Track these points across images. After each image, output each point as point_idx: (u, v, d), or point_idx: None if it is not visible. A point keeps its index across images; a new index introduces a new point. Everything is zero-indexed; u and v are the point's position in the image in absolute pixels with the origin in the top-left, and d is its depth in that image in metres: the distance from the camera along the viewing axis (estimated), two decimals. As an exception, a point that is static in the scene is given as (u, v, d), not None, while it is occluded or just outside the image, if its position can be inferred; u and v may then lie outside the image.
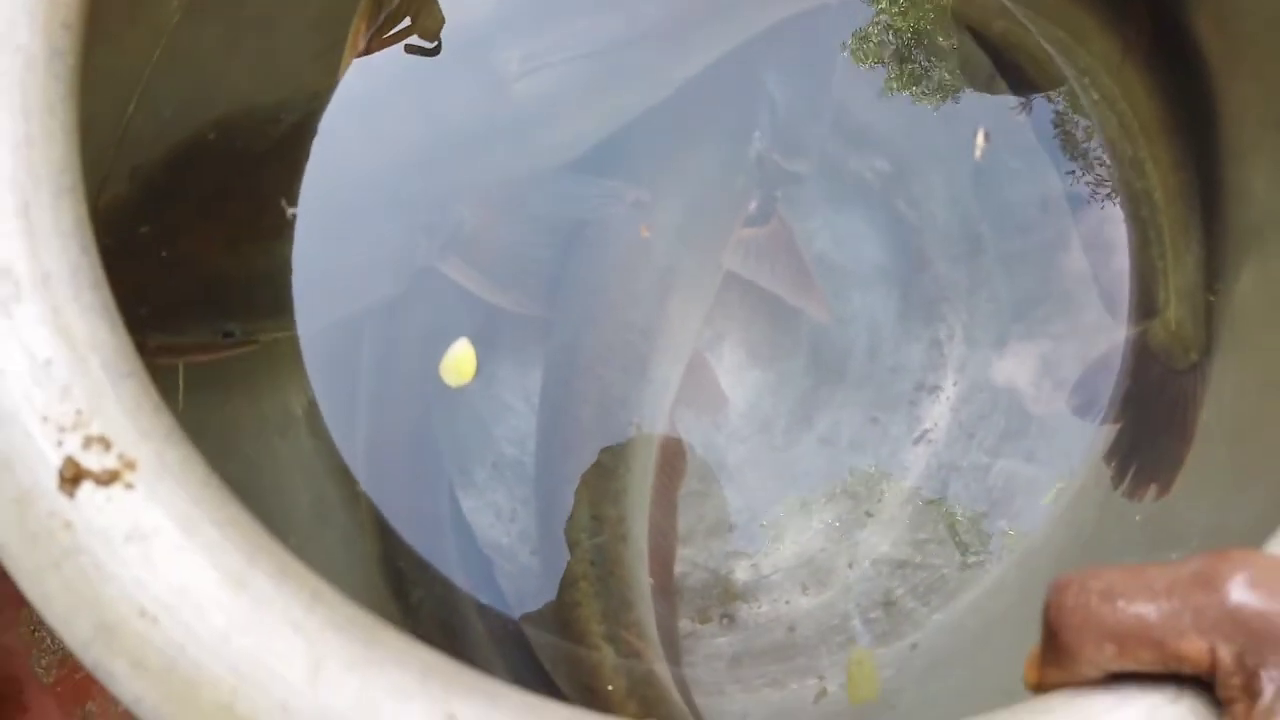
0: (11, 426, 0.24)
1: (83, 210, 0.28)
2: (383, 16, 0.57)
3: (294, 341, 0.54)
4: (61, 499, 0.24)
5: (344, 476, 0.55)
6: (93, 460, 0.24)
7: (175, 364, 0.50)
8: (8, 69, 0.27)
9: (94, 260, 0.27)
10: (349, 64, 0.56)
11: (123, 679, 0.24)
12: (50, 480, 0.24)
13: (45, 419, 0.25)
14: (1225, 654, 0.24)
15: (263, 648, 0.24)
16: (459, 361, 0.57)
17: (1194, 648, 0.25)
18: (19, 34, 0.27)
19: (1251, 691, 0.24)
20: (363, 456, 0.55)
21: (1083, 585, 0.25)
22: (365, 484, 0.54)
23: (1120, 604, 0.25)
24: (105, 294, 0.27)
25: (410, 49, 0.58)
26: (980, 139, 0.61)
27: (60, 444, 0.24)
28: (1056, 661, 0.26)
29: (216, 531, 0.25)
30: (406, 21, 0.58)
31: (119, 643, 0.24)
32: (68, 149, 0.28)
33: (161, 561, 0.24)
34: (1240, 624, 0.24)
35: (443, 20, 0.58)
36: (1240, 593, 0.24)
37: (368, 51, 0.56)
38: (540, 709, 0.25)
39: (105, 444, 0.25)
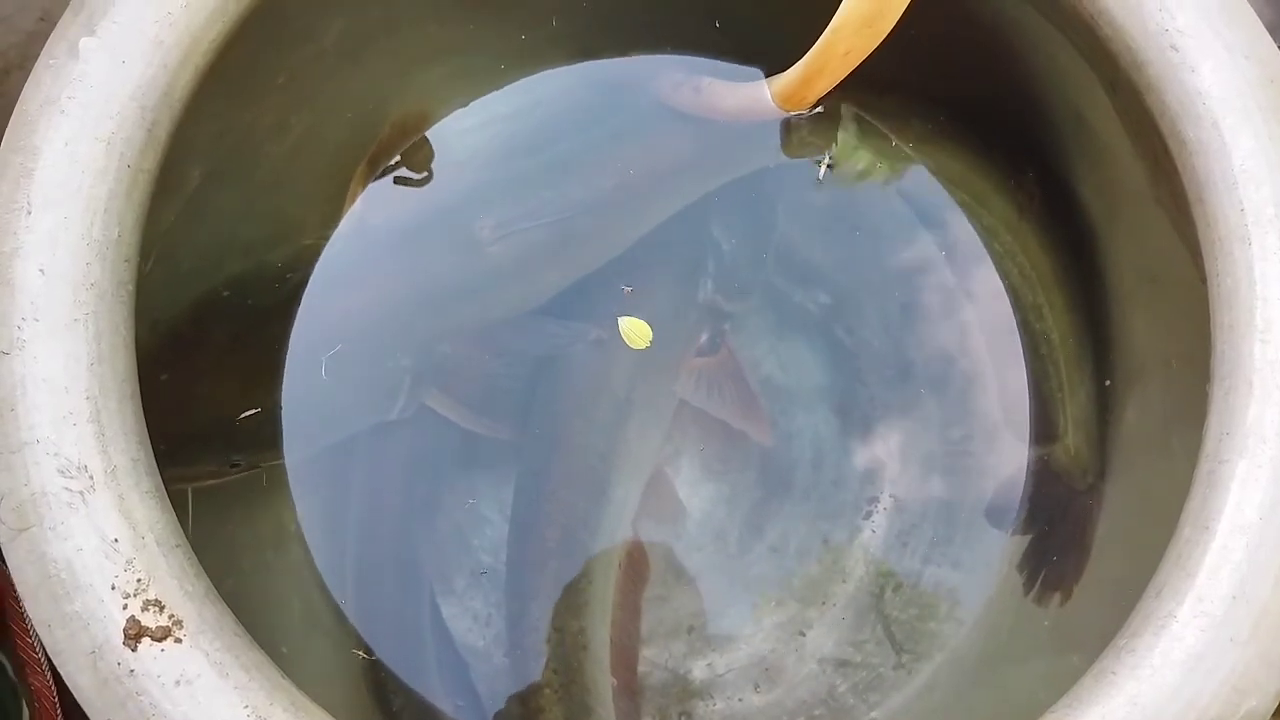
0: (88, 594, 0.31)
1: (140, 410, 0.35)
2: (379, 171, 0.64)
3: (285, 468, 0.59)
4: (126, 651, 0.30)
5: (332, 588, 0.58)
6: (150, 619, 0.31)
7: (186, 489, 0.55)
8: (85, 303, 0.34)
9: (149, 451, 0.34)
10: (347, 212, 0.63)
11: (171, 798, 0.30)
12: (117, 636, 0.31)
13: (114, 587, 0.31)
14: None
15: (283, 771, 0.30)
16: (635, 327, 0.61)
17: None
18: (93, 273, 0.35)
19: None
20: (350, 569, 0.59)
21: None
22: (351, 596, 0.59)
23: None
24: (157, 479, 0.34)
25: (399, 180, 0.64)
26: (822, 169, 0.64)
27: (125, 607, 0.31)
28: None
29: (245, 675, 0.31)
30: (400, 159, 0.64)
31: (169, 767, 0.30)
32: (129, 360, 0.35)
33: (204, 700, 0.30)
34: None
35: (432, 154, 0.65)
36: None
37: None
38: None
39: (160, 606, 0.31)
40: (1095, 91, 0.53)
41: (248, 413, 0.58)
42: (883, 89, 0.62)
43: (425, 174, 0.63)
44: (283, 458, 0.58)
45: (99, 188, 0.36)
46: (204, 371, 0.56)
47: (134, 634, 0.30)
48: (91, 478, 0.32)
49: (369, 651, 0.57)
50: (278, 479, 0.60)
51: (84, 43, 0.38)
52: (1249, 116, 0.41)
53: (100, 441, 0.32)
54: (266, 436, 0.57)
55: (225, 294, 0.57)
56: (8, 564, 0.32)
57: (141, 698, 0.30)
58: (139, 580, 0.31)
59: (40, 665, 0.64)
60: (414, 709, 0.57)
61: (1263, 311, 0.39)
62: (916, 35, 0.53)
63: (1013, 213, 0.64)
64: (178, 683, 0.30)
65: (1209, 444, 0.38)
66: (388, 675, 0.56)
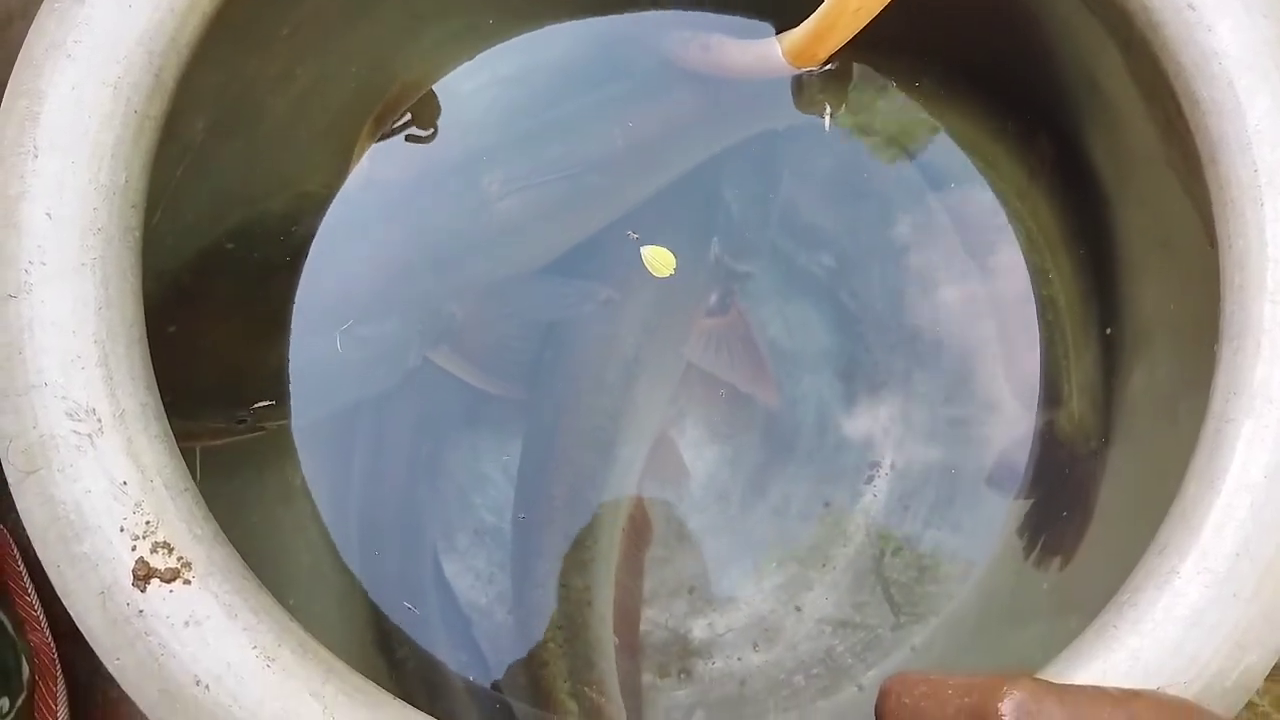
0: (96, 535, 0.31)
1: (148, 355, 0.35)
2: (386, 128, 0.64)
3: (290, 427, 0.59)
4: (135, 592, 0.31)
5: (335, 546, 0.60)
6: (159, 561, 0.31)
7: (194, 448, 0.55)
8: (93, 248, 0.34)
9: (156, 396, 0.34)
10: (354, 168, 0.63)
11: (180, 735, 0.30)
12: (126, 577, 0.31)
13: (122, 529, 0.31)
14: None
15: (290, 711, 0.31)
16: (659, 255, 0.62)
17: None
18: (100, 218, 0.34)
19: None
20: (355, 525, 0.60)
21: (898, 696, 0.32)
22: (356, 552, 0.60)
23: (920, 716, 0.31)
24: (164, 424, 0.34)
25: (410, 138, 0.65)
26: (826, 119, 0.65)
27: (134, 549, 0.31)
28: None
29: (253, 617, 0.32)
30: (407, 116, 0.64)
31: (179, 706, 0.31)
32: (137, 305, 0.35)
33: (212, 641, 0.31)
34: None
35: (439, 110, 0.64)
36: None
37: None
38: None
39: (169, 548, 0.31)
40: (1109, 53, 0.52)
41: (260, 404, 0.58)
42: (894, 48, 0.62)
43: (432, 130, 0.63)
44: (289, 416, 0.58)
45: (106, 133, 0.36)
46: (210, 325, 0.56)
47: (143, 575, 0.31)
48: (100, 421, 0.32)
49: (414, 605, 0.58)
50: (284, 437, 0.60)
51: (89, -15, 0.38)
52: (1266, 76, 0.41)
53: (108, 385, 0.33)
54: (271, 393, 0.58)
55: (229, 246, 0.57)
56: (17, 506, 0.32)
57: (150, 638, 0.30)
58: (148, 522, 0.31)
59: (39, 622, 0.65)
60: (418, 660, 0.58)
61: (1274, 273, 0.39)
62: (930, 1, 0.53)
63: (1023, 176, 0.64)
64: (186, 623, 0.31)
65: (1216, 403, 0.38)
66: (392, 628, 0.57)
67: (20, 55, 0.37)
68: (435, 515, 0.63)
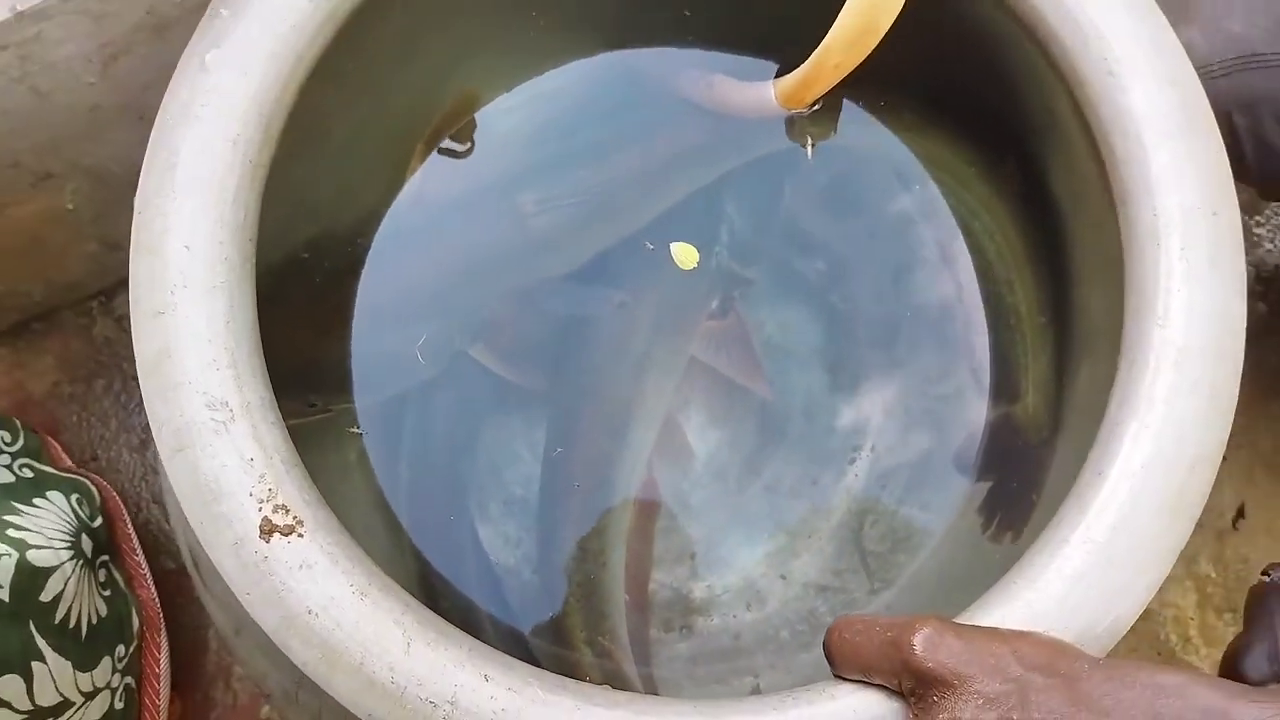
0: (231, 499, 0.41)
1: (263, 359, 0.44)
2: (435, 148, 0.72)
3: (354, 410, 0.66)
4: (261, 543, 0.40)
5: (388, 512, 0.65)
6: (279, 519, 0.41)
7: None
8: (220, 273, 0.43)
9: (270, 391, 0.44)
10: (407, 184, 0.70)
11: (297, 650, 0.40)
12: (254, 531, 0.40)
13: (250, 494, 0.41)
14: (904, 688, 0.39)
15: (378, 633, 0.40)
16: (684, 251, 0.68)
17: (890, 682, 0.40)
18: (225, 249, 0.44)
19: (916, 712, 0.39)
20: (404, 497, 0.66)
21: (839, 633, 0.40)
22: (405, 518, 0.65)
23: (855, 650, 0.40)
24: (278, 413, 0.43)
25: (443, 151, 0.72)
26: (808, 149, 0.70)
27: (260, 510, 0.41)
28: (837, 670, 0.42)
29: (350, 563, 0.41)
30: (452, 141, 0.71)
31: (294, 629, 0.40)
32: (253, 318, 0.44)
33: (321, 580, 0.40)
34: (909, 673, 0.38)
35: (480, 136, 0.72)
36: (911, 653, 0.38)
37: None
38: (538, 674, 0.42)
39: (285, 509, 0.41)
40: (1061, 98, 0.58)
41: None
42: (879, 84, 0.68)
43: (474, 152, 0.71)
44: (353, 401, 0.65)
45: (228, 179, 0.45)
46: (285, 325, 0.63)
47: (267, 530, 0.40)
48: (231, 411, 0.41)
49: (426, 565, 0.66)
50: (342, 419, 0.67)
51: (210, 57, 0.47)
52: (1169, 135, 0.49)
53: (237, 383, 0.42)
54: (337, 381, 0.65)
55: (304, 256, 0.66)
56: (168, 476, 0.42)
57: (273, 578, 0.40)
58: (269, 489, 0.41)
59: (145, 578, 0.75)
60: (459, 611, 0.64)
61: (1164, 300, 0.47)
62: (911, 41, 0.59)
63: (992, 196, 0.70)
64: (300, 567, 0.40)
65: (1111, 408, 0.47)
66: (438, 582, 0.64)
67: (159, 116, 0.46)
68: (472, 487, 0.69)
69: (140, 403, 0.93)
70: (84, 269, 0.91)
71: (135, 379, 0.95)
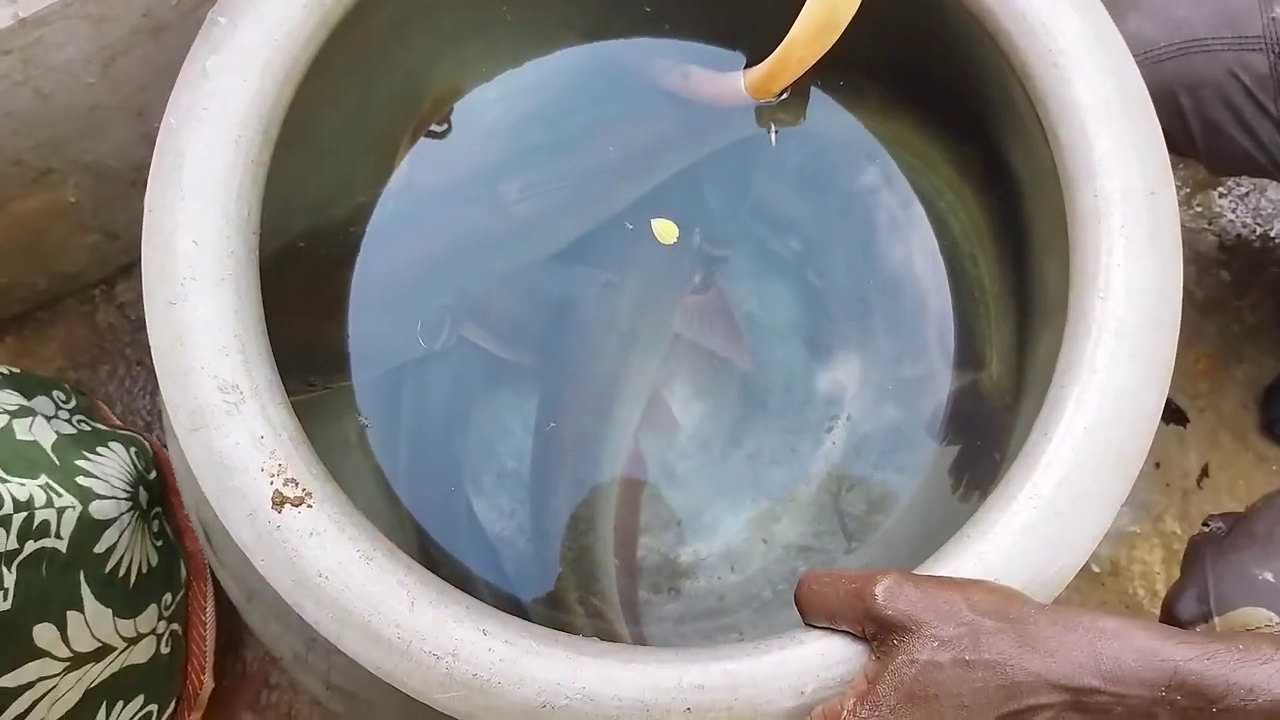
0: (244, 474, 0.44)
1: (269, 344, 0.47)
2: (421, 137, 0.74)
3: (352, 388, 0.69)
4: (274, 513, 0.44)
5: (388, 487, 0.67)
6: (289, 491, 0.44)
7: None
8: (227, 266, 0.47)
9: (277, 373, 0.47)
10: (395, 172, 0.73)
11: (310, 610, 0.44)
12: (266, 503, 0.44)
13: (262, 469, 0.44)
14: (867, 633, 0.43)
15: (384, 592, 0.44)
16: (664, 226, 0.70)
17: (854, 628, 0.43)
18: (231, 244, 0.47)
19: (877, 655, 0.42)
20: (403, 471, 0.68)
21: (808, 585, 0.44)
22: (403, 491, 0.67)
23: (822, 600, 0.43)
24: (284, 394, 0.47)
25: (441, 149, 0.74)
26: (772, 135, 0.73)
27: (271, 483, 0.44)
28: (807, 619, 0.46)
29: (356, 530, 0.45)
30: (438, 129, 0.74)
31: (306, 590, 0.44)
32: (259, 307, 0.48)
33: (330, 546, 0.44)
34: (871, 620, 0.42)
35: (465, 124, 0.73)
36: (873, 602, 0.41)
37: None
38: (532, 628, 0.45)
39: (295, 483, 0.44)
40: (1016, 86, 0.62)
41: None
42: (845, 71, 0.72)
43: (460, 142, 0.74)
44: (350, 379, 0.68)
45: (231, 179, 0.48)
46: (284, 309, 0.67)
47: (279, 501, 0.44)
48: (241, 393, 0.45)
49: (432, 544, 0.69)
50: (341, 396, 0.69)
51: (211, 63, 0.50)
52: (1109, 123, 0.53)
53: (246, 367, 0.45)
54: (335, 361, 0.68)
55: (301, 245, 0.69)
56: (184, 452, 0.45)
57: (285, 544, 0.44)
58: (280, 465, 0.44)
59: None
60: (457, 580, 0.65)
61: (1104, 275, 0.51)
62: (875, 31, 0.61)
63: (956, 176, 0.73)
64: (310, 534, 0.44)
65: (1057, 374, 0.51)
66: (436, 551, 0.68)
67: (164, 120, 0.49)
68: (466, 461, 0.72)
69: (144, 386, 0.97)
70: (86, 259, 0.94)
71: (138, 364, 1.00)
